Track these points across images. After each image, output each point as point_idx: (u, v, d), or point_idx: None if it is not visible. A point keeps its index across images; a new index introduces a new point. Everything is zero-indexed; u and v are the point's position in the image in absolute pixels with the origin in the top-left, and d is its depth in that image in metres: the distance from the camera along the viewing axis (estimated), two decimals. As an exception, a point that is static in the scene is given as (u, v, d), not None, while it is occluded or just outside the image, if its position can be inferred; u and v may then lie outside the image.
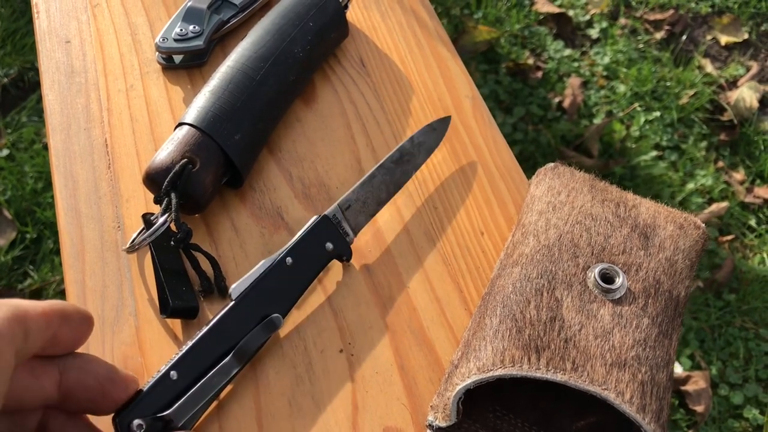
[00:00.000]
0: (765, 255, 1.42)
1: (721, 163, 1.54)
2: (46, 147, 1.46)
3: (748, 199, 1.49)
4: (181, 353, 0.41)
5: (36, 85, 1.58)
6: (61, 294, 1.29)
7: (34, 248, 1.34)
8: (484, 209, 0.53)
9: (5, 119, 1.52)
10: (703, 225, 0.49)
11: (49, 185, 1.41)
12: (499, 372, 0.40)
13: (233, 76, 0.51)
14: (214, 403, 0.43)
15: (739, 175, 1.53)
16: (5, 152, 1.45)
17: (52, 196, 1.40)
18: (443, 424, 0.42)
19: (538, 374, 0.40)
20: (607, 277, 0.44)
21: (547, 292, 0.43)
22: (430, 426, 0.42)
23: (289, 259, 0.46)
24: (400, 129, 0.57)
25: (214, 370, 0.41)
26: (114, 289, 0.47)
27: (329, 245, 0.48)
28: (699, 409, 1.24)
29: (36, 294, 1.29)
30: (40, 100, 1.55)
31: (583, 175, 0.50)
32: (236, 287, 0.44)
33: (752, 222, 1.46)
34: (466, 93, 0.59)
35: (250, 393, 0.43)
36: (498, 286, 0.45)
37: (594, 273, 0.43)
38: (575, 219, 0.47)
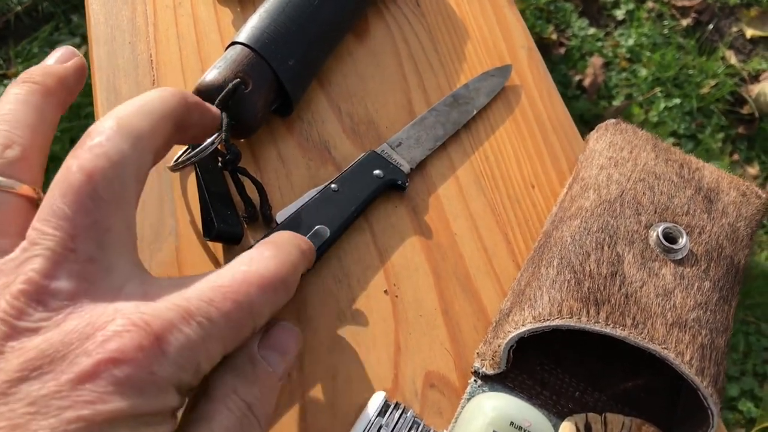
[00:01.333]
0: (772, 251, 1.42)
1: (736, 156, 1.53)
2: (57, 79, 1.43)
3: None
4: None
5: (50, 16, 1.54)
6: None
7: (38, 180, 1.31)
8: (536, 162, 0.51)
9: (16, 48, 1.48)
10: (764, 195, 0.47)
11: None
12: (557, 322, 0.39)
13: None
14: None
15: (753, 169, 1.52)
16: (15, 80, 1.41)
17: (61, 130, 1.37)
18: (491, 372, 0.40)
19: (597, 328, 0.38)
20: (670, 237, 0.42)
21: (608, 247, 0.42)
22: (476, 373, 0.41)
23: (334, 186, 0.46)
24: (453, 72, 0.55)
25: None
26: (154, 207, 0.45)
27: (378, 171, 0.47)
28: (695, 397, 1.24)
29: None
30: (53, 31, 1.52)
31: (646, 134, 0.48)
32: (282, 213, 0.44)
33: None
34: (521, 43, 0.57)
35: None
36: (555, 237, 0.44)
37: (657, 231, 0.42)
38: (638, 176, 0.45)
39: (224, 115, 0.44)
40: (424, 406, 0.41)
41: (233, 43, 0.47)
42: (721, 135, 1.55)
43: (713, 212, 0.44)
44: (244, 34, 0.47)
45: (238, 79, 0.45)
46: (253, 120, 0.46)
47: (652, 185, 0.45)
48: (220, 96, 0.44)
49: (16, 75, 1.42)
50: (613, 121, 0.50)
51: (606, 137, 0.48)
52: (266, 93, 0.46)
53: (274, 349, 0.33)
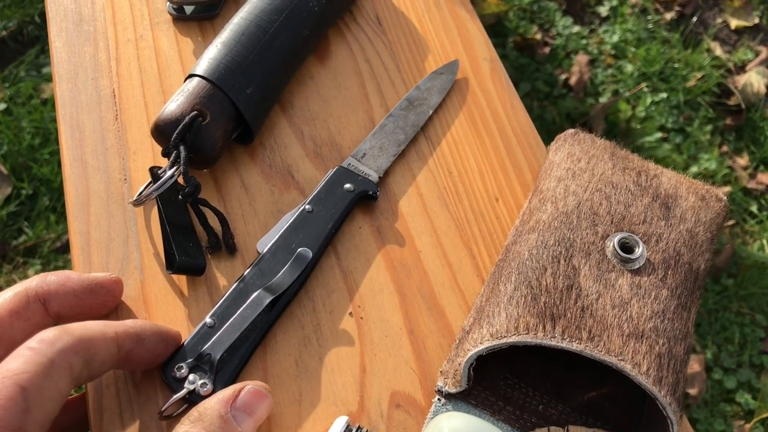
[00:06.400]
0: (765, 241, 1.42)
1: (725, 148, 1.53)
2: (44, 102, 1.44)
3: (751, 185, 1.48)
4: (216, 306, 0.42)
5: (35, 40, 1.55)
6: (56, 252, 1.28)
7: (29, 204, 1.32)
8: (500, 175, 0.52)
9: (3, 73, 1.49)
10: (725, 198, 0.48)
11: (46, 141, 1.38)
12: (513, 339, 0.39)
13: (246, 28, 0.50)
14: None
15: (743, 160, 1.52)
16: (2, 106, 1.42)
17: (50, 153, 1.38)
18: (453, 390, 0.41)
19: (553, 342, 0.39)
20: (626, 247, 0.43)
21: (565, 260, 0.42)
22: (440, 391, 0.42)
23: (308, 206, 0.47)
24: (416, 91, 0.55)
25: (246, 303, 0.42)
26: (119, 242, 0.45)
27: (348, 185, 0.48)
28: (692, 392, 1.24)
29: (30, 251, 1.28)
30: (39, 54, 1.52)
31: (604, 142, 0.49)
32: (262, 242, 0.46)
33: (754, 208, 1.45)
34: (484, 55, 0.58)
35: (257, 352, 0.42)
36: (513, 252, 0.44)
37: (613, 242, 0.42)
38: (595, 186, 0.45)
39: (182, 148, 0.45)
40: (390, 427, 0.41)
41: (191, 75, 0.48)
42: (709, 127, 1.54)
43: (671, 219, 0.45)
44: (201, 66, 0.48)
45: (195, 112, 0.46)
46: (212, 151, 0.46)
47: (608, 195, 0.45)
48: (177, 129, 0.45)
49: (4, 100, 1.43)
50: (571, 131, 0.50)
51: (564, 148, 0.49)
52: (225, 123, 0.47)
53: (244, 411, 0.36)
